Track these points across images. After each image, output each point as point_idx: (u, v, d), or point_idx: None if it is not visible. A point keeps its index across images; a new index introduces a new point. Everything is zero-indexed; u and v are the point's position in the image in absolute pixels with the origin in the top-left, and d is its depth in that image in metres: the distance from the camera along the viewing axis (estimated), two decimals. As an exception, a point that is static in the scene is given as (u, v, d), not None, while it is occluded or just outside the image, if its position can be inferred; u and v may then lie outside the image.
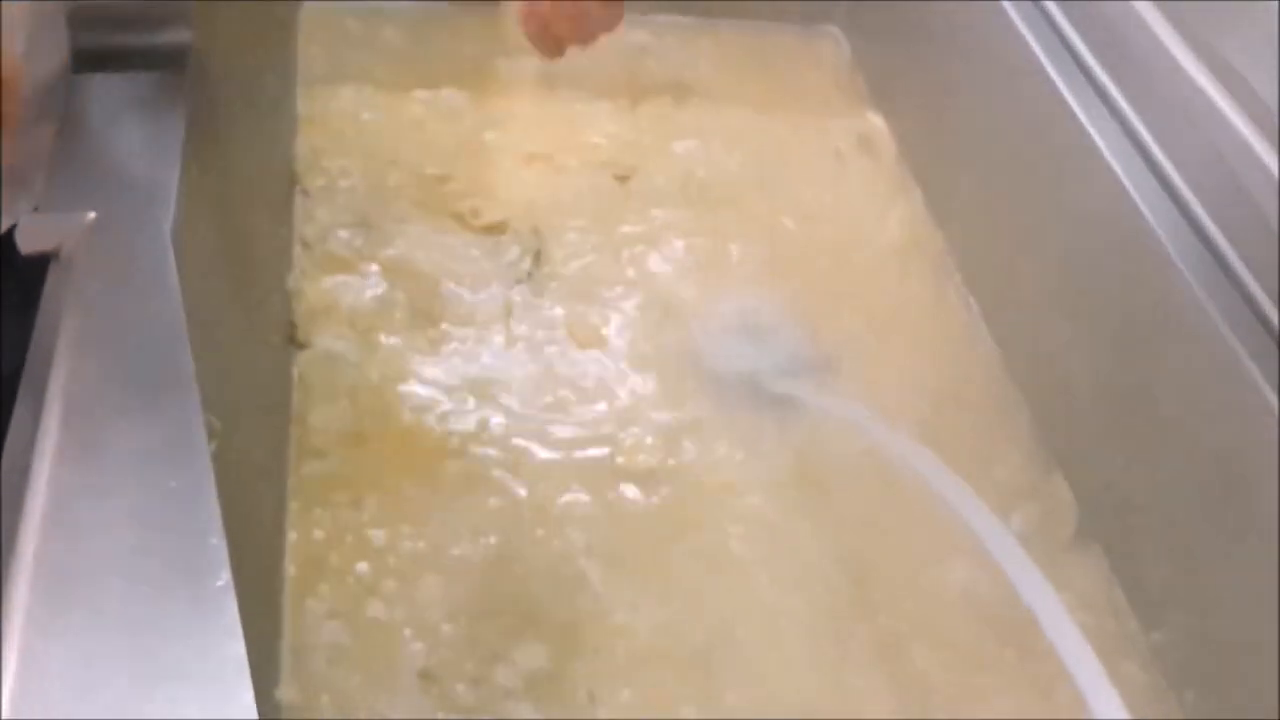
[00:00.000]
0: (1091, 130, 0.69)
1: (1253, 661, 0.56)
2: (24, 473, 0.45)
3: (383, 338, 0.68)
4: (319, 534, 0.59)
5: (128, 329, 0.49)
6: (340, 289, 0.70)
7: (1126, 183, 0.66)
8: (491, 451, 0.64)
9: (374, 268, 0.71)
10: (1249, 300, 0.60)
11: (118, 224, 0.53)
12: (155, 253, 0.52)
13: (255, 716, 0.38)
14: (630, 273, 0.75)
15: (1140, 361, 0.64)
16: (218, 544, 0.43)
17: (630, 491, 0.64)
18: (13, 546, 0.42)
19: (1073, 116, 0.70)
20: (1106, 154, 0.68)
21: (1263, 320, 0.59)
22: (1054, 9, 0.75)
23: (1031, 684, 0.60)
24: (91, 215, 0.53)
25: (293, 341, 0.67)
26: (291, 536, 0.59)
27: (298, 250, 0.72)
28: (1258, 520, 0.56)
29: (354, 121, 0.81)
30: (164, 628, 0.40)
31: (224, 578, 0.42)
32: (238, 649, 0.40)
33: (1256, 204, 0.61)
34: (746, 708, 0.56)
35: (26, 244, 0.54)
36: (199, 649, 0.39)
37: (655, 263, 0.76)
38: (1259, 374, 0.56)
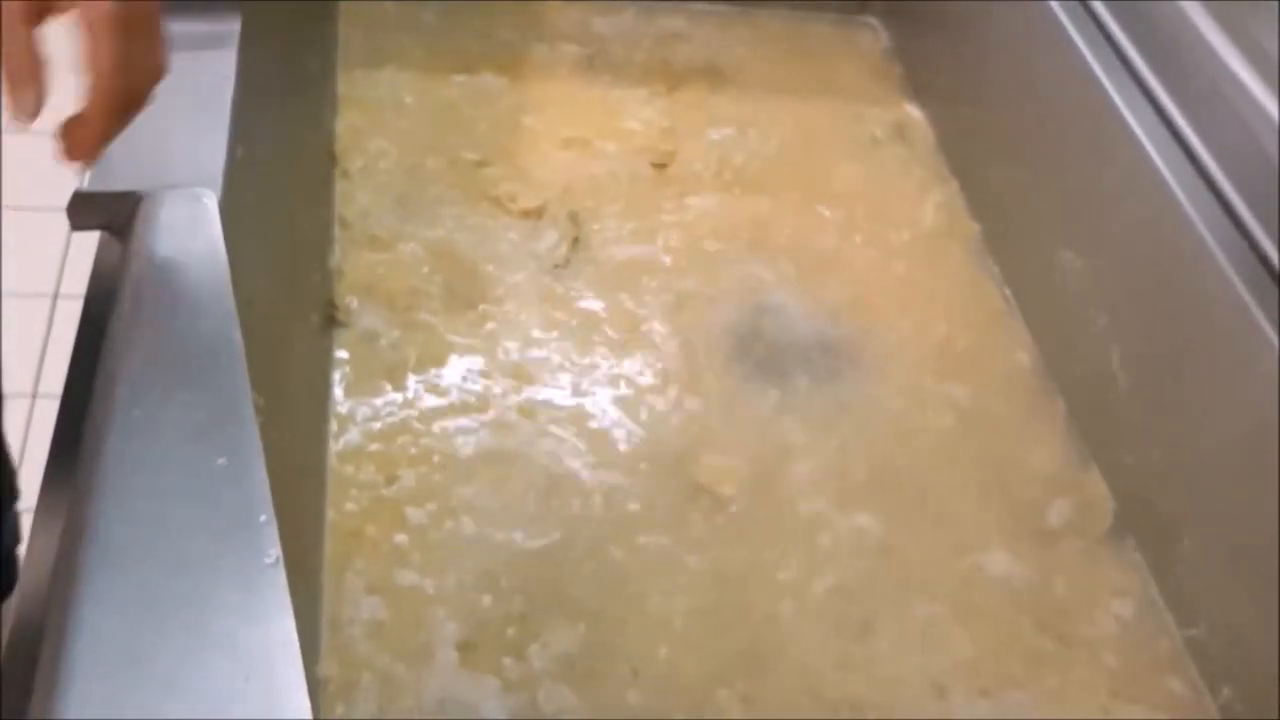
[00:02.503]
0: (1132, 122, 0.69)
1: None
2: (76, 450, 0.46)
3: (421, 318, 0.68)
4: (353, 509, 0.60)
5: (178, 307, 0.49)
6: (379, 269, 0.70)
7: (1167, 176, 0.66)
8: (528, 434, 0.64)
9: (413, 249, 0.72)
10: (1276, 276, 0.59)
11: (168, 201, 0.53)
12: (205, 230, 0.53)
13: (305, 693, 0.38)
14: (667, 260, 0.75)
15: (1177, 354, 0.64)
16: (267, 521, 0.43)
17: (668, 475, 0.64)
18: (68, 526, 0.43)
19: (1113, 108, 0.70)
20: (1147, 146, 0.67)
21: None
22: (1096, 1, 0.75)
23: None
24: (142, 193, 0.54)
25: (333, 320, 0.67)
26: (330, 514, 0.60)
27: (337, 230, 0.72)
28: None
29: (393, 104, 0.81)
30: (215, 604, 0.40)
31: (274, 555, 0.42)
32: (288, 625, 0.40)
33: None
34: (789, 691, 0.56)
35: (76, 220, 0.54)
36: (250, 625, 0.40)
37: (692, 250, 0.76)
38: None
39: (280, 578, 0.41)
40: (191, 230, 0.53)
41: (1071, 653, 0.60)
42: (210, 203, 0.54)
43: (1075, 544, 0.65)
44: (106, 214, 0.54)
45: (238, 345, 0.48)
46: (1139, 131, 0.68)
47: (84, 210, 0.54)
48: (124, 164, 0.56)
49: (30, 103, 0.44)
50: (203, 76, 0.61)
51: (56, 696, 0.38)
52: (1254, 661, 0.58)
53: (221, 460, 0.44)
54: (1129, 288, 0.68)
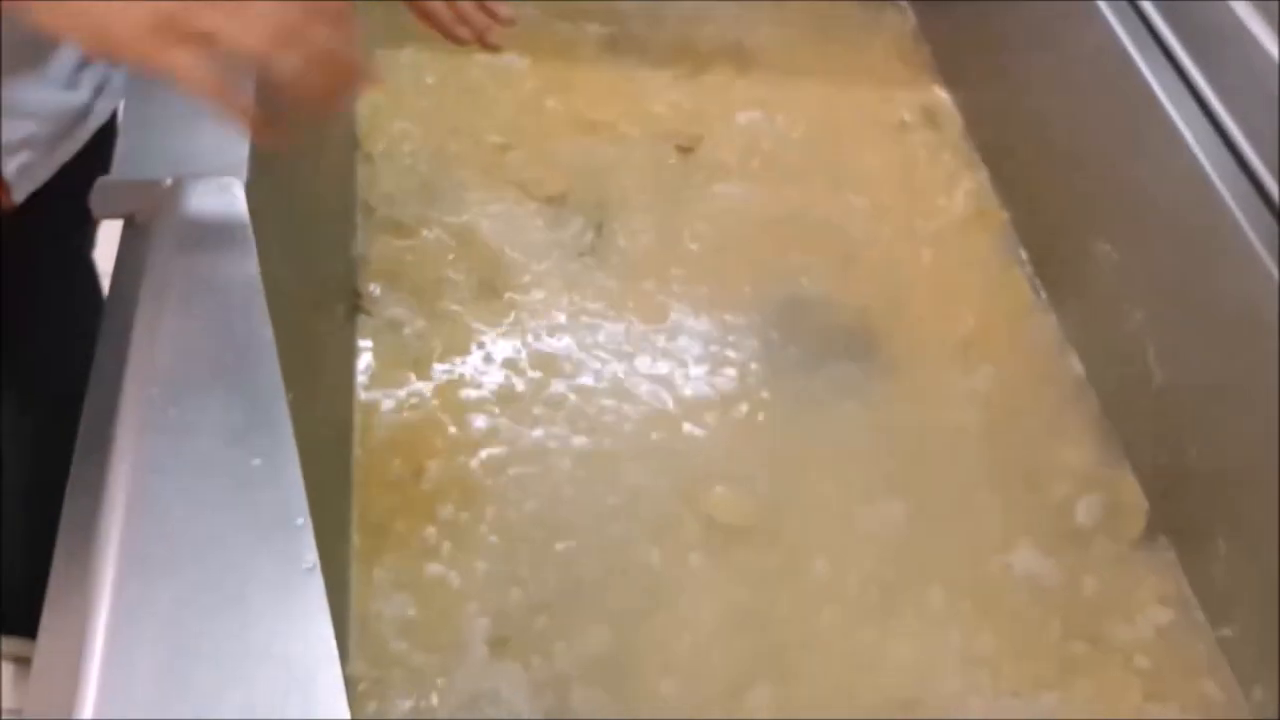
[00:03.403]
0: (1171, 110, 0.67)
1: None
2: (106, 450, 0.44)
3: (447, 306, 0.67)
4: (380, 503, 0.59)
5: (209, 301, 0.48)
6: (404, 256, 0.69)
7: (1207, 167, 0.64)
8: (556, 427, 0.64)
9: (437, 235, 0.71)
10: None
11: (194, 190, 0.52)
12: (232, 220, 0.51)
13: (345, 704, 0.38)
14: (694, 247, 0.74)
15: (1216, 352, 0.63)
16: (304, 524, 0.42)
17: (697, 470, 0.64)
18: (98, 529, 0.42)
19: (1150, 95, 0.69)
20: (1187, 136, 0.66)
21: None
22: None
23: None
24: (168, 180, 0.52)
25: (356, 309, 0.66)
26: (356, 509, 0.59)
27: (360, 216, 0.71)
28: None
29: (414, 84, 0.80)
30: (255, 612, 0.39)
31: (311, 560, 0.41)
32: (327, 635, 0.39)
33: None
34: (818, 681, 0.56)
35: (100, 209, 0.53)
36: (289, 635, 0.39)
37: (720, 238, 0.75)
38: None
39: (318, 583, 0.40)
40: (219, 220, 0.52)
41: (1103, 655, 0.59)
42: (237, 191, 0.52)
43: (1106, 543, 0.64)
44: (131, 203, 0.53)
45: (269, 342, 0.47)
46: (1178, 120, 0.67)
47: (108, 199, 0.53)
48: (147, 151, 0.55)
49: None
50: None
51: (97, 709, 0.37)
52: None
53: (257, 461, 0.43)
54: (1166, 282, 0.67)
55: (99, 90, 0.62)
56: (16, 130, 0.59)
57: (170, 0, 0.43)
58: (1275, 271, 0.60)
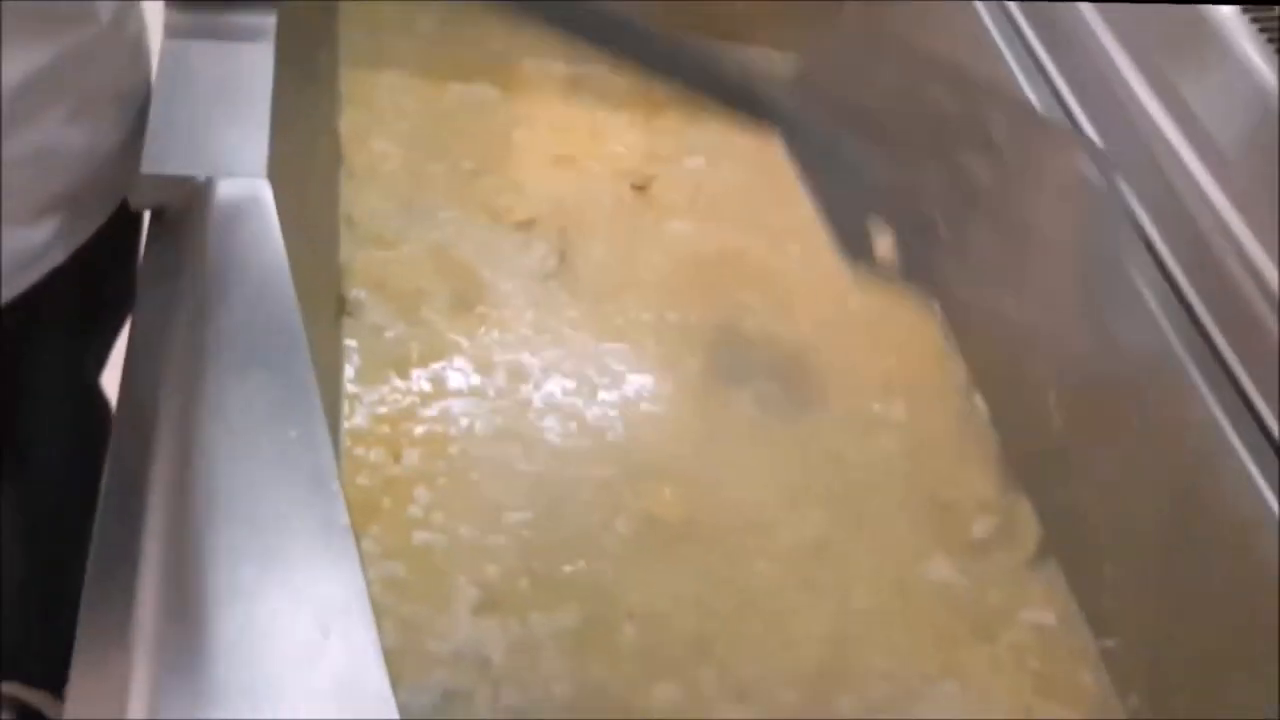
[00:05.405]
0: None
1: (1191, 669, 0.64)
2: (152, 423, 0.49)
3: (424, 315, 0.73)
4: (365, 484, 0.64)
5: (244, 290, 0.53)
6: (386, 267, 0.75)
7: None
8: (523, 428, 0.70)
9: (416, 250, 0.76)
10: (1207, 338, 0.67)
11: (227, 188, 0.57)
12: (262, 218, 0.57)
13: (378, 649, 0.43)
14: (647, 277, 0.81)
15: (1111, 401, 0.72)
16: (337, 489, 0.47)
17: (645, 471, 0.70)
18: (146, 489, 0.46)
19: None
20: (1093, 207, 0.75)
21: (1220, 360, 0.66)
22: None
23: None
24: (202, 177, 0.57)
25: (343, 312, 0.71)
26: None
27: (344, 228, 0.76)
28: (1204, 544, 0.64)
29: (393, 107, 0.86)
30: (298, 562, 0.45)
31: (345, 519, 0.46)
32: (360, 585, 0.45)
33: (1209, 246, 0.68)
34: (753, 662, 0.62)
35: (138, 201, 0.58)
36: (328, 583, 0.44)
37: (669, 271, 0.82)
38: (1220, 413, 0.64)
39: (351, 540, 0.46)
40: (250, 217, 0.57)
41: (999, 655, 0.67)
42: (265, 192, 0.58)
43: (1004, 560, 0.72)
44: (166, 196, 0.58)
45: (299, 328, 0.53)
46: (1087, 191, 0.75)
47: (146, 191, 0.58)
48: (178, 148, 0.60)
49: None
50: (243, 67, 0.65)
51: (152, 639, 0.42)
52: (1160, 672, 0.66)
53: (294, 433, 0.48)
54: (1067, 336, 0.75)
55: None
56: None
57: None
58: (1170, 333, 0.68)
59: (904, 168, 0.65)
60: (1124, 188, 0.74)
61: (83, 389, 0.78)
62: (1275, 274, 0.66)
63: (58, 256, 0.63)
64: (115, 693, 0.40)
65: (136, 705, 0.40)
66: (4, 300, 0.60)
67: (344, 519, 0.46)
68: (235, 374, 0.50)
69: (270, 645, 0.42)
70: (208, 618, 0.42)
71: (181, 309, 0.53)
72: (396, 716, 0.41)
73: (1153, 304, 0.69)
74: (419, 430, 0.67)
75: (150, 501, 0.46)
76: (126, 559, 0.45)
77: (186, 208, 0.57)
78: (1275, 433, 0.63)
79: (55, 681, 0.86)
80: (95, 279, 0.67)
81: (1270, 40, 0.69)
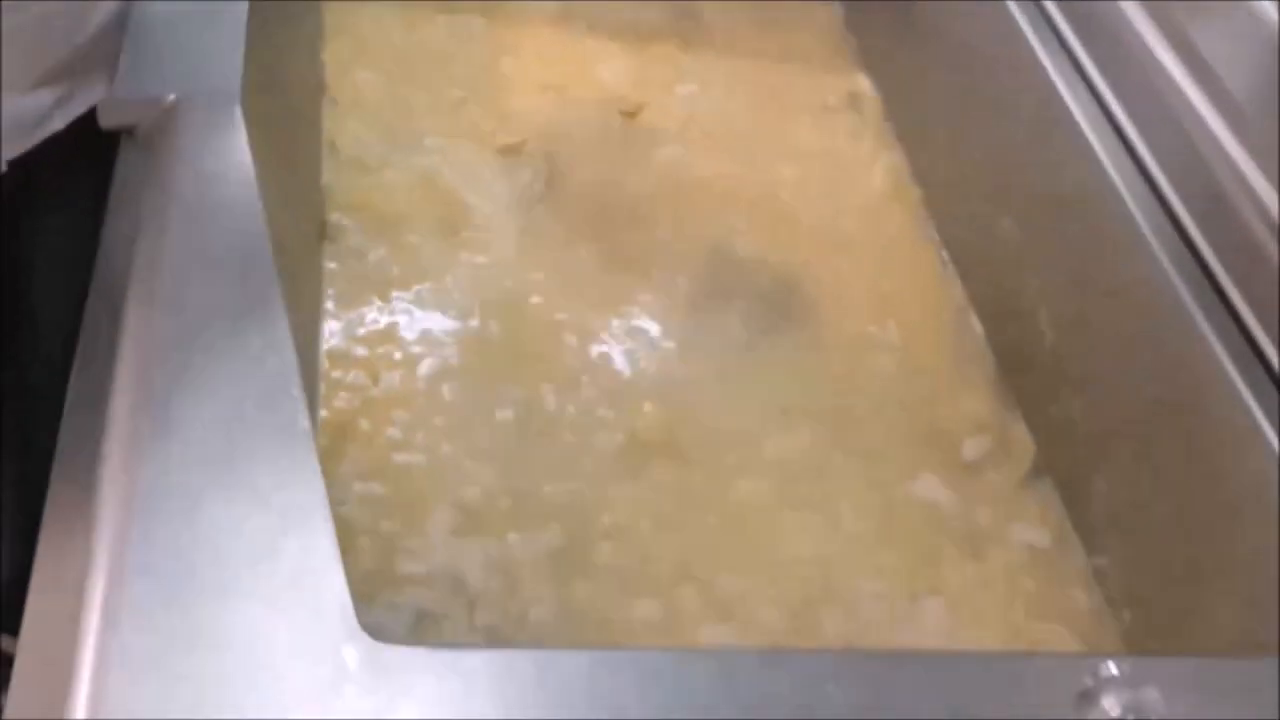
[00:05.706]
0: (1067, 99, 0.75)
1: (1183, 583, 0.63)
2: (115, 330, 0.49)
3: (407, 239, 0.73)
4: (343, 407, 0.64)
5: (210, 206, 0.53)
6: (368, 192, 0.74)
7: (1101, 154, 0.72)
8: (506, 350, 0.69)
9: (399, 175, 0.76)
10: (1197, 256, 0.66)
11: (194, 107, 0.57)
12: (231, 136, 0.56)
13: (336, 549, 0.43)
14: (636, 202, 0.80)
15: (1101, 316, 0.71)
16: (298, 395, 0.47)
17: (628, 390, 0.70)
18: (109, 395, 0.46)
19: (1050, 87, 0.76)
20: (1080, 121, 0.73)
21: (1210, 276, 0.65)
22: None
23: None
24: (171, 97, 0.57)
25: (325, 235, 0.71)
26: (322, 413, 0.64)
27: (326, 153, 0.76)
28: (1194, 460, 0.63)
29: (377, 38, 0.85)
30: (258, 465, 0.44)
31: (305, 424, 0.46)
32: (319, 487, 0.44)
33: (1210, 172, 0.67)
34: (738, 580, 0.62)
35: (107, 120, 0.58)
36: (287, 487, 0.44)
37: (659, 196, 0.81)
38: (1209, 329, 0.63)
39: (310, 444, 0.46)
40: (219, 136, 0.56)
41: (991, 574, 0.67)
42: (236, 111, 0.57)
43: (997, 479, 0.71)
44: (136, 117, 0.57)
45: (264, 241, 0.52)
46: (1074, 109, 0.74)
47: (114, 112, 0.57)
48: (149, 69, 0.59)
49: None
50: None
51: (116, 539, 0.42)
52: (1152, 587, 0.65)
53: (257, 340, 0.48)
54: (1060, 256, 0.74)
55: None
56: None
57: None
58: (1156, 246, 0.67)
59: None
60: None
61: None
62: (1262, 184, 0.64)
63: (56, 124, 0.62)
64: (73, 585, 0.40)
65: (94, 597, 0.40)
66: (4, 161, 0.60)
67: (304, 423, 0.46)
68: (200, 285, 0.50)
69: (228, 544, 0.42)
70: (166, 518, 0.42)
71: (149, 226, 0.53)
72: (354, 617, 0.41)
73: (1144, 228, 0.68)
74: (398, 354, 0.67)
75: (113, 405, 0.46)
76: (89, 463, 0.45)
77: (156, 128, 0.57)
78: (1265, 350, 0.62)
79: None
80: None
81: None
